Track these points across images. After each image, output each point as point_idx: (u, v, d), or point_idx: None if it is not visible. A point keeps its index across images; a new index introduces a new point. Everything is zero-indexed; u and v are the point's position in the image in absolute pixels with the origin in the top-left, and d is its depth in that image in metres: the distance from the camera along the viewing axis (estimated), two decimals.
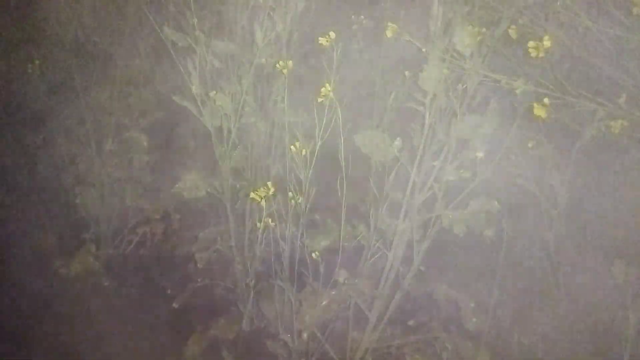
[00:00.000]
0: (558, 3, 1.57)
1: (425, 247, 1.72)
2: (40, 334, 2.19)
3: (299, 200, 1.62)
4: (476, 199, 1.69)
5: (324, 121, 1.56)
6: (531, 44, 1.42)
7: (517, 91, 1.50)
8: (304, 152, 1.57)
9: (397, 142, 1.69)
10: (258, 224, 1.75)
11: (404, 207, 1.69)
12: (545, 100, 1.43)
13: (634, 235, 2.07)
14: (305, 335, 1.69)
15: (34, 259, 2.64)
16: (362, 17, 2.14)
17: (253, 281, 1.97)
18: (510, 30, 1.52)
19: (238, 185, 1.99)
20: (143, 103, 2.64)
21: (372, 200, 1.73)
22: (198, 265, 2.15)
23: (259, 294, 2.00)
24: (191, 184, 1.94)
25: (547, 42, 1.40)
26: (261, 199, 1.63)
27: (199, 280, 2.26)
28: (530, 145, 1.97)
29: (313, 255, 1.68)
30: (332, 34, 1.55)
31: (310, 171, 1.59)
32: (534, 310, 2.12)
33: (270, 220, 1.67)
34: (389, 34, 1.55)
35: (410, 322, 2.12)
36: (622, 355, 1.77)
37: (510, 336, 2.07)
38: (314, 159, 1.59)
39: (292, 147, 1.59)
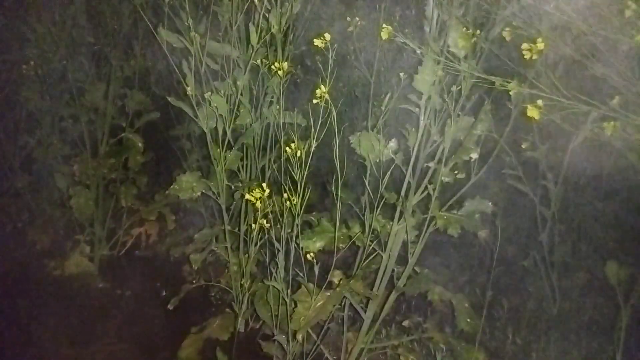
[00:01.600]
0: (552, 5, 1.58)
1: (419, 247, 1.73)
2: (35, 335, 2.18)
3: (294, 202, 1.62)
4: (470, 200, 1.70)
5: (319, 122, 1.56)
6: (525, 46, 1.43)
7: (511, 93, 1.50)
8: (299, 153, 1.57)
9: (392, 144, 1.70)
10: (253, 225, 1.74)
11: (398, 208, 1.69)
12: (539, 101, 1.43)
13: (627, 237, 2.09)
14: (300, 336, 1.68)
15: (28, 260, 2.63)
16: (357, 18, 2.14)
17: (248, 282, 1.97)
18: (504, 33, 1.53)
19: (233, 187, 1.99)
20: (138, 104, 2.63)
21: (367, 201, 1.73)
22: (193, 266, 2.15)
23: (254, 295, 2.00)
24: (186, 185, 1.94)
25: (540, 44, 1.41)
26: (256, 200, 1.62)
27: (193, 281, 2.26)
28: (524, 146, 1.98)
29: (308, 256, 1.68)
30: (327, 36, 1.55)
31: (305, 172, 1.59)
32: (528, 311, 2.13)
33: (265, 221, 1.67)
34: (384, 35, 1.55)
35: (405, 323, 2.13)
36: (615, 355, 1.78)
37: (504, 336, 2.09)
38: (309, 160, 1.59)
39: (287, 148, 1.59)
